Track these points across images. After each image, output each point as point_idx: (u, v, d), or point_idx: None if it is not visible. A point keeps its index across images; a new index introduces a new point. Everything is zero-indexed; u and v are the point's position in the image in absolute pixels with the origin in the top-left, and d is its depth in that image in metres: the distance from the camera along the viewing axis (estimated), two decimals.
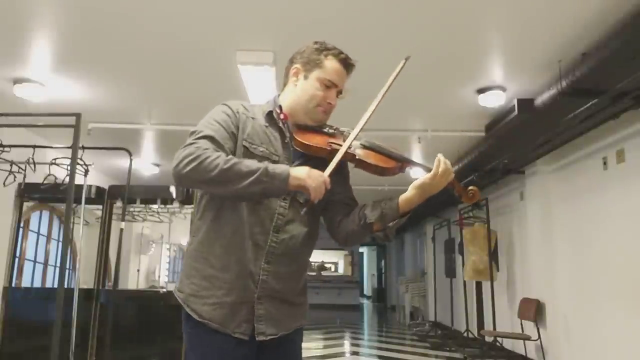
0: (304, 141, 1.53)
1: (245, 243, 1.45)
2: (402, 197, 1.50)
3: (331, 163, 1.46)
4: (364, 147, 1.56)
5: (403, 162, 1.56)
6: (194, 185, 1.45)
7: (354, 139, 1.51)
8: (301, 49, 1.62)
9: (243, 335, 1.44)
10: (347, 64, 1.59)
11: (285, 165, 1.42)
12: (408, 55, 1.52)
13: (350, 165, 1.57)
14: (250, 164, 1.38)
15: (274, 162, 1.49)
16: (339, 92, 1.60)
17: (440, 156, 1.49)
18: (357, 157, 1.52)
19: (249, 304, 1.45)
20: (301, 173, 1.38)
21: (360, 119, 1.54)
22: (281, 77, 1.71)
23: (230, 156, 1.40)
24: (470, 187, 1.55)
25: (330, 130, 1.59)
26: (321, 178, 1.39)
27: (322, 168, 1.44)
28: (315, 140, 1.54)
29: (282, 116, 1.57)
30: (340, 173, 1.61)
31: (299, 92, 1.57)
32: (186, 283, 1.50)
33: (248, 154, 1.48)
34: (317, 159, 1.53)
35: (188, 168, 1.35)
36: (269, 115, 1.57)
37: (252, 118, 1.54)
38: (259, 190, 1.36)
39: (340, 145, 1.50)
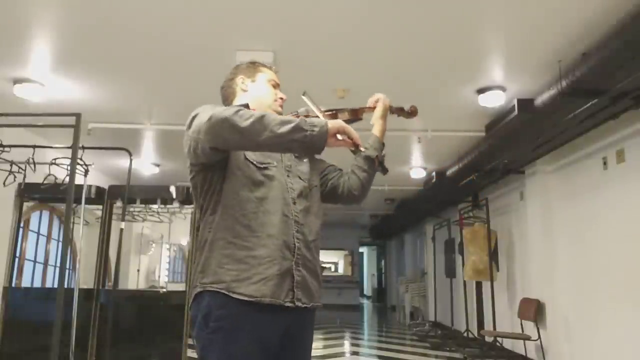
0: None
1: (271, 217, 1.51)
2: (375, 130, 1.80)
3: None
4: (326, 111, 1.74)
5: (352, 110, 1.76)
6: (229, 133, 1.36)
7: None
8: (235, 71, 1.78)
9: (291, 302, 1.49)
10: (274, 71, 1.82)
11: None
12: (304, 90, 1.72)
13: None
14: (286, 116, 1.44)
15: None
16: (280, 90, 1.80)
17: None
18: (335, 112, 1.71)
19: (290, 272, 1.51)
20: (335, 121, 1.46)
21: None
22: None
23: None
24: (411, 105, 1.88)
25: (293, 113, 1.72)
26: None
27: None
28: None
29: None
30: (316, 160, 1.81)
31: (254, 92, 1.73)
32: (222, 272, 1.47)
33: None
34: None
35: (225, 114, 1.36)
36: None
37: None
38: (299, 137, 1.37)
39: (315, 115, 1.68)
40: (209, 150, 1.44)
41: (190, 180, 1.60)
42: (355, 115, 1.73)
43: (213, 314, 1.45)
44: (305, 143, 1.38)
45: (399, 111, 1.86)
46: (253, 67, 1.79)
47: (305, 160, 1.74)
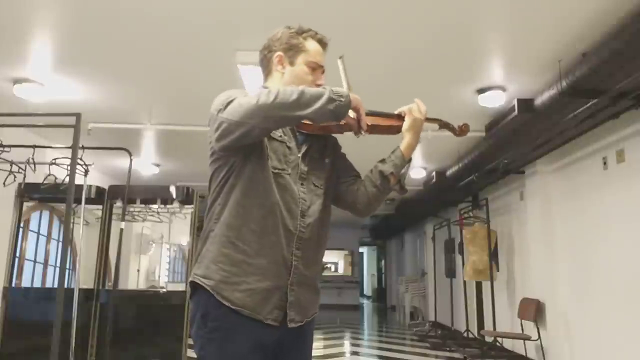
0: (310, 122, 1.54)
1: (277, 228, 1.44)
2: (402, 144, 1.59)
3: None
4: (367, 114, 1.56)
5: (399, 117, 1.62)
6: (276, 111, 1.35)
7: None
8: (275, 35, 1.62)
9: (274, 321, 1.43)
10: (323, 43, 1.63)
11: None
12: (341, 54, 1.62)
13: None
14: (310, 88, 1.41)
15: (289, 147, 1.53)
16: (323, 72, 1.63)
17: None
18: (369, 124, 1.54)
19: (282, 290, 1.44)
20: (355, 96, 1.45)
21: None
22: None
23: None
24: (462, 123, 1.69)
25: None
26: None
27: (320, 151, 1.59)
28: None
29: None
30: (339, 151, 1.70)
31: (289, 78, 1.58)
32: (214, 269, 1.43)
33: (269, 137, 1.50)
34: (316, 142, 1.59)
35: (271, 97, 1.34)
36: None
37: None
38: (333, 108, 1.38)
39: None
40: (257, 132, 1.39)
41: (210, 165, 1.53)
42: (390, 131, 1.59)
43: (211, 313, 1.43)
44: (335, 112, 1.39)
45: (446, 126, 1.70)
46: (297, 44, 1.59)
47: (327, 160, 1.62)
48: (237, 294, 1.41)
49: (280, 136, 1.52)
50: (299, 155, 1.54)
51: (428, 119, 1.63)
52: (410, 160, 1.59)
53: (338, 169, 1.66)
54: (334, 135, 1.66)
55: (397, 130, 1.59)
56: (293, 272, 1.46)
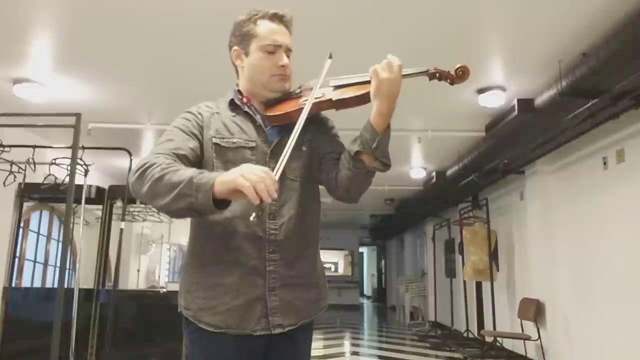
0: (277, 113, 1.43)
1: (238, 241, 1.37)
2: (371, 114, 1.35)
3: (299, 120, 1.32)
4: (336, 87, 1.45)
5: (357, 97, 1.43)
6: (139, 198, 1.34)
7: (319, 88, 1.41)
8: (232, 29, 1.53)
9: (265, 330, 1.38)
10: (279, 18, 1.48)
11: (215, 173, 1.22)
12: (330, 52, 1.48)
13: (330, 111, 1.47)
14: (185, 173, 1.21)
15: (251, 148, 1.42)
16: (288, 51, 1.49)
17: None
18: (334, 100, 1.40)
19: (262, 298, 1.38)
20: (230, 174, 1.16)
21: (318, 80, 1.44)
22: None
23: (176, 165, 1.27)
24: (458, 66, 1.39)
25: (297, 91, 1.50)
26: (261, 172, 1.14)
27: (297, 141, 1.36)
28: (288, 107, 1.43)
29: (244, 100, 1.49)
30: (324, 132, 1.54)
31: (248, 71, 1.48)
32: (190, 299, 1.42)
33: (220, 149, 1.41)
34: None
35: (132, 179, 1.30)
36: (232, 103, 1.49)
37: (217, 113, 1.48)
38: (185, 206, 1.19)
39: (315, 99, 1.38)
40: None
41: None
42: (360, 102, 1.38)
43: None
44: (193, 211, 1.21)
45: (434, 77, 1.43)
46: (247, 31, 1.47)
47: (304, 148, 1.46)
48: (217, 316, 1.38)
49: (236, 142, 1.42)
50: (268, 152, 1.43)
51: (406, 75, 1.38)
52: (386, 129, 1.35)
53: (320, 156, 1.49)
54: (322, 110, 1.48)
55: (369, 98, 1.37)
56: (270, 278, 1.38)
